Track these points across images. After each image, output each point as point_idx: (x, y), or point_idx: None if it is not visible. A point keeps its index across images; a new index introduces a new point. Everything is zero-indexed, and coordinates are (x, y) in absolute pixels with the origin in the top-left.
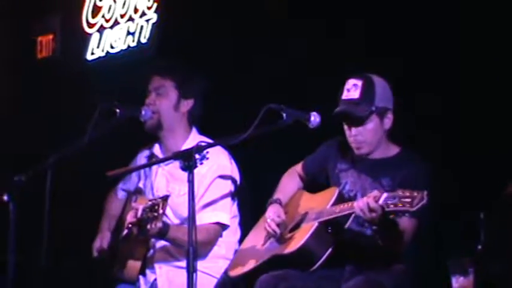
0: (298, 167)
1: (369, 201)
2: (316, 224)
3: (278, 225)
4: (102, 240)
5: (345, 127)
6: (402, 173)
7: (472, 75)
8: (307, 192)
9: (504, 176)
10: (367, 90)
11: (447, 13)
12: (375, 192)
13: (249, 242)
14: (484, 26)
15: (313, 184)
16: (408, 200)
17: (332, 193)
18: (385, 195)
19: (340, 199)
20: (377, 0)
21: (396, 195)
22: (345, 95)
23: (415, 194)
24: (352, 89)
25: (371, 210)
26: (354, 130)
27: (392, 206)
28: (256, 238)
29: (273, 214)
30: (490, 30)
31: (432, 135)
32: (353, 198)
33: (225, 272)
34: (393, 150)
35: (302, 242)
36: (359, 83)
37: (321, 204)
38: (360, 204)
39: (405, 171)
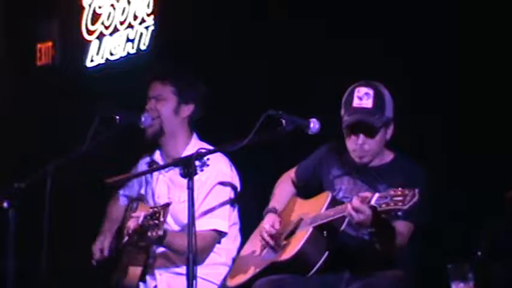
0: (292, 173)
1: (354, 202)
2: (310, 229)
3: (272, 236)
4: (103, 242)
5: (350, 135)
6: (398, 179)
7: (473, 78)
8: (300, 198)
9: (505, 181)
10: (379, 101)
11: (447, 15)
12: (364, 194)
13: (247, 251)
14: (484, 30)
15: (306, 189)
16: (400, 198)
17: (325, 198)
18: (376, 195)
19: (334, 203)
20: (377, 2)
21: (388, 195)
22: (357, 103)
23: (407, 192)
24: (364, 98)
25: (357, 211)
26: (361, 140)
27: (384, 205)
28: (254, 247)
29: (267, 225)
30: (491, 32)
31: (434, 138)
32: None
33: (225, 279)
34: (388, 157)
35: (298, 248)
36: (370, 92)
37: (314, 209)
38: (348, 207)
39: (401, 178)
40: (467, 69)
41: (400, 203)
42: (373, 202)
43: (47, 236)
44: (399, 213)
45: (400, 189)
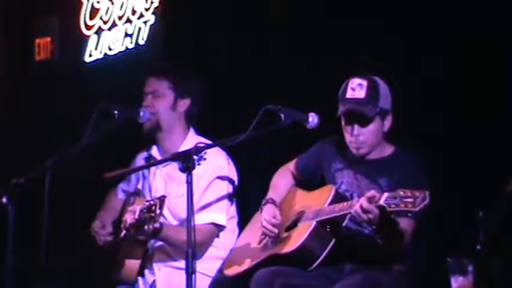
0: (291, 165)
1: (362, 202)
2: (314, 223)
3: (274, 226)
4: (103, 220)
5: (346, 127)
6: (399, 172)
7: (472, 71)
8: (301, 190)
9: (504, 175)
10: (372, 91)
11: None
12: (371, 193)
13: (244, 241)
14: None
15: (305, 182)
16: (410, 200)
17: (329, 191)
18: (385, 195)
19: (337, 198)
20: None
21: (397, 196)
22: (350, 94)
23: (417, 194)
24: (357, 89)
25: (365, 211)
26: (356, 130)
27: (394, 206)
28: (251, 237)
29: (268, 215)
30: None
31: (432, 134)
32: (349, 198)
33: (220, 271)
34: (388, 149)
35: (300, 241)
36: (364, 83)
37: (317, 202)
38: (355, 206)
39: (402, 171)
40: (467, 68)
41: (410, 205)
42: (382, 202)
43: (46, 231)
44: (409, 215)
45: (410, 190)
